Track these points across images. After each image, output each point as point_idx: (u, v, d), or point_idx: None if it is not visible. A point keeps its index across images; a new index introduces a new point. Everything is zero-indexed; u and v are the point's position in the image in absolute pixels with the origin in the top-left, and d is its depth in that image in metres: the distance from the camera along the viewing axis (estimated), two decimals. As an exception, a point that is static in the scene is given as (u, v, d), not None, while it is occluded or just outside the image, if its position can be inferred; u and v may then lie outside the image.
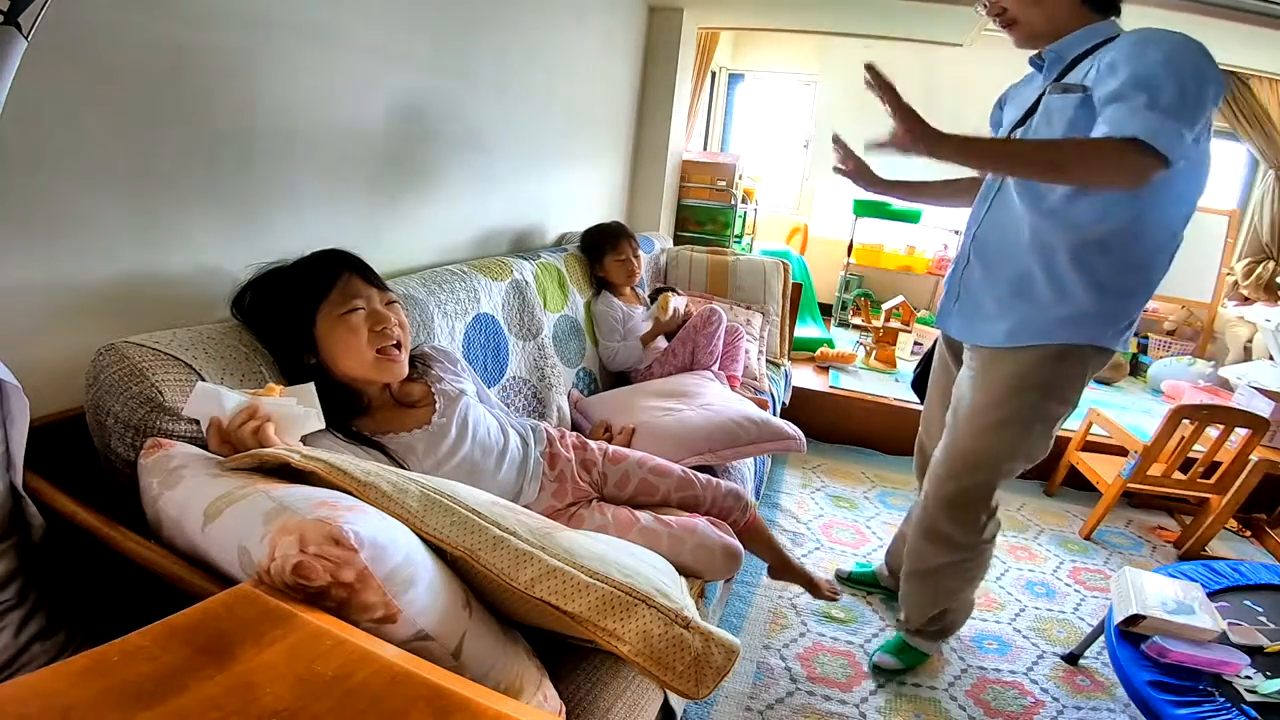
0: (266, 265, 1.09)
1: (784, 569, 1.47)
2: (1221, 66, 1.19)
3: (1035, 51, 1.38)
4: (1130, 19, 1.30)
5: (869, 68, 1.25)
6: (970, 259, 1.45)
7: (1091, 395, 3.50)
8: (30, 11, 0.68)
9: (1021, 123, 1.37)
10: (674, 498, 1.32)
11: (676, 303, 2.12)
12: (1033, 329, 1.33)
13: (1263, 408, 2.24)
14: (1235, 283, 4.39)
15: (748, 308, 2.67)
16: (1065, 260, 1.28)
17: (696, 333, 2.09)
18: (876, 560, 2.02)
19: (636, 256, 2.17)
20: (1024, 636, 1.81)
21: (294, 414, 0.86)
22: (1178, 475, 2.28)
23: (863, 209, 4.31)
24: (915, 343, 3.71)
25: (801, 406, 2.91)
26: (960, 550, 1.50)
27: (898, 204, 4.27)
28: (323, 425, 0.91)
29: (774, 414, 2.23)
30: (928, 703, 1.54)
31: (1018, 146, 1.25)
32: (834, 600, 1.67)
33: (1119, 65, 1.15)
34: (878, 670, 1.63)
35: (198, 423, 0.86)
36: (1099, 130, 1.14)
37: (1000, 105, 1.56)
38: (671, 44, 3.16)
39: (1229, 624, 1.39)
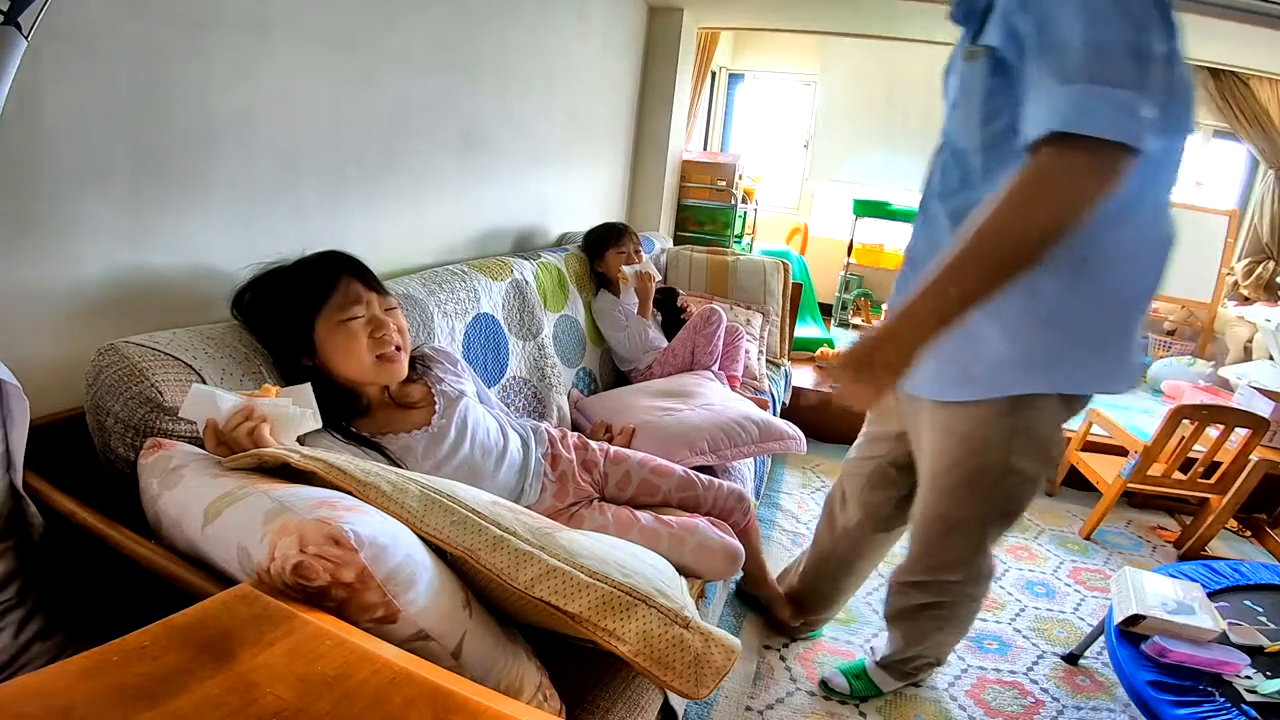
0: (267, 265, 1.09)
1: (760, 582, 1.47)
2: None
3: None
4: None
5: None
6: (909, 283, 1.14)
7: (1091, 395, 3.50)
8: (30, 11, 0.68)
9: (957, 104, 1.04)
10: (675, 498, 1.32)
11: (628, 271, 2.11)
12: (973, 379, 1.06)
13: (1263, 408, 2.24)
14: (1235, 283, 4.38)
15: (748, 308, 2.67)
16: None
17: (696, 333, 2.09)
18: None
19: (638, 252, 2.18)
20: (1024, 636, 1.81)
21: (290, 414, 0.86)
22: (1178, 475, 2.28)
23: (862, 209, 4.31)
24: (915, 343, 3.70)
25: (801, 406, 2.91)
26: (935, 593, 1.34)
27: (898, 204, 4.28)
28: (319, 425, 0.91)
29: (774, 414, 2.23)
30: (928, 703, 1.54)
31: (950, 264, 0.87)
32: (793, 625, 1.66)
33: (1012, 8, 0.84)
34: (825, 686, 1.55)
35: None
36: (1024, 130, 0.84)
37: (947, 73, 1.17)
38: (671, 44, 3.16)
39: (1229, 624, 1.39)
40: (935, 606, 1.36)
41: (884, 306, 3.93)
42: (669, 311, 2.27)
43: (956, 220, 1.02)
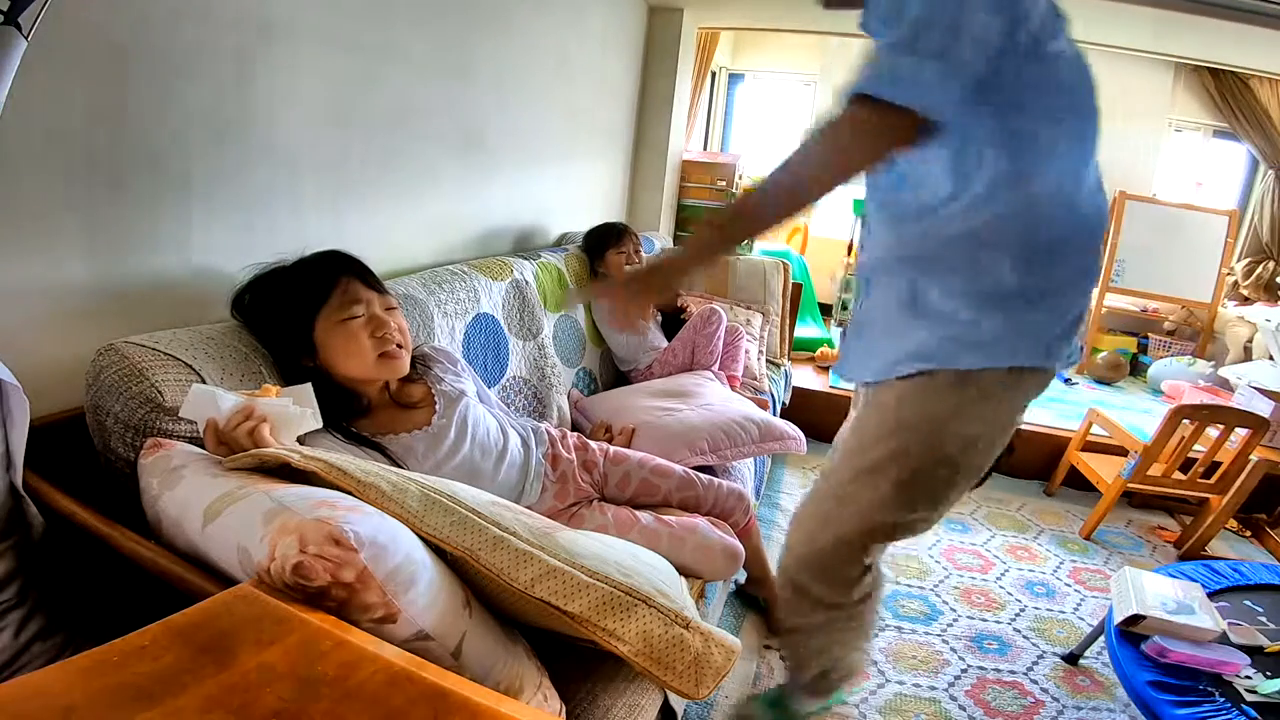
0: (267, 265, 1.09)
1: (761, 582, 1.45)
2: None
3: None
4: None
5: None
6: (861, 286, 1.20)
7: (1091, 395, 3.50)
8: (30, 11, 0.68)
9: None
10: (675, 498, 1.32)
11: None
12: (911, 354, 1.04)
13: (1263, 408, 2.24)
14: (1235, 283, 4.39)
15: (748, 308, 2.67)
16: (925, 266, 1.01)
17: (696, 333, 2.09)
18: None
19: (638, 252, 2.18)
20: (1024, 636, 1.81)
21: (290, 414, 0.86)
22: (1178, 475, 2.28)
23: (863, 209, 4.30)
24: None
25: (801, 406, 2.90)
26: (828, 610, 1.18)
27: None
28: (319, 425, 0.91)
29: (774, 414, 2.23)
30: (928, 702, 1.54)
31: (738, 202, 0.95)
32: None
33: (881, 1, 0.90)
34: (740, 716, 1.40)
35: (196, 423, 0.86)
36: None
37: None
38: (671, 44, 3.16)
39: (1229, 624, 1.39)
40: (841, 620, 1.21)
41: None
42: (669, 312, 2.27)
43: (887, 212, 1.10)
